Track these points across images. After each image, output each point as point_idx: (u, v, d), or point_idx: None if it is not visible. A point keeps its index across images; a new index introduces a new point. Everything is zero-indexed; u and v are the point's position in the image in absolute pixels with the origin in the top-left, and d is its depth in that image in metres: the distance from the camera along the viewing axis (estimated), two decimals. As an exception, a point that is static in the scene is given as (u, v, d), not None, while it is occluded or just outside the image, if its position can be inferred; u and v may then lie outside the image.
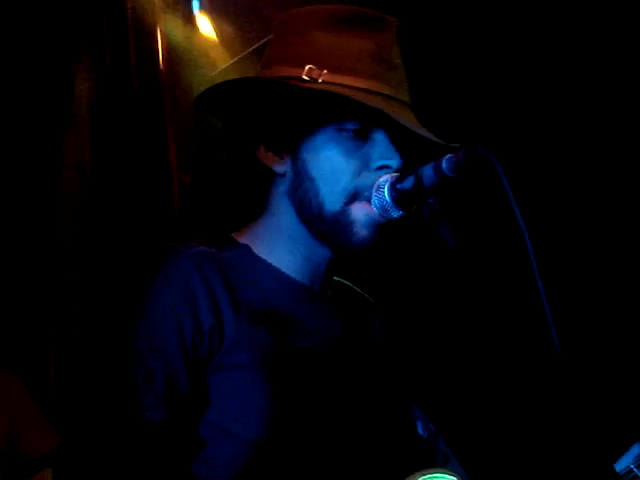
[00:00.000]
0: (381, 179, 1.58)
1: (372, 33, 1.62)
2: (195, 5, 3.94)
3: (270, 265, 1.66)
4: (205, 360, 1.51)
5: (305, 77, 1.59)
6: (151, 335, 1.50)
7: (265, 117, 1.66)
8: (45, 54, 3.77)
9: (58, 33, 3.79)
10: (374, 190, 1.58)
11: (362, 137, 1.61)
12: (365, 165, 1.60)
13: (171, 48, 3.83)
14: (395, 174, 1.57)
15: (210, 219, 3.35)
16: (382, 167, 1.60)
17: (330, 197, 1.60)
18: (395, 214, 1.57)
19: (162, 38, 3.84)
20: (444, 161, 1.47)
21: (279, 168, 1.66)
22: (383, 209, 1.57)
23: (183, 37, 3.85)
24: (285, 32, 1.69)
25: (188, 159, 3.76)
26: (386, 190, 1.56)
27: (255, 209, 1.71)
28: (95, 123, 3.85)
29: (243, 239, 1.69)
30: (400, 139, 1.61)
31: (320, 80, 1.59)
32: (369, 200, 1.58)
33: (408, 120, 1.58)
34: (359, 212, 1.59)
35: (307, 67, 1.59)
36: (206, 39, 3.83)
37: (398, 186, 1.54)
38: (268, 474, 1.50)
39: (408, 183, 1.53)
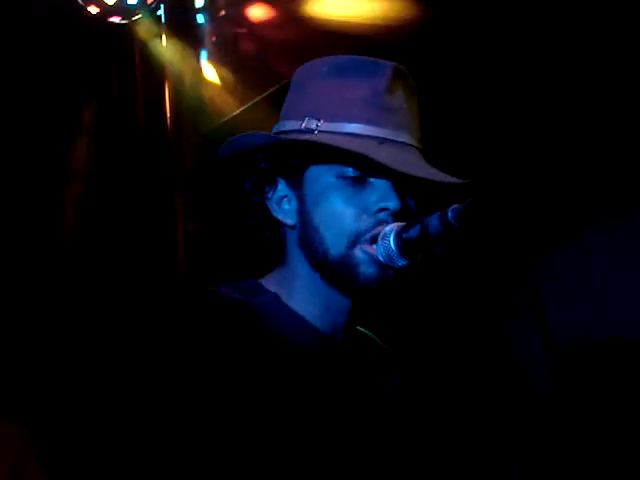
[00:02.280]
0: (387, 227, 1.58)
1: (367, 78, 1.65)
2: (203, 54, 3.99)
3: (297, 314, 1.68)
4: None
5: (304, 128, 1.63)
6: None
7: (273, 170, 1.69)
8: (52, 102, 3.80)
9: (66, 81, 3.82)
10: (380, 238, 1.58)
11: (361, 182, 1.63)
12: (365, 209, 1.62)
13: (178, 97, 3.87)
14: (401, 223, 1.57)
15: (218, 268, 3.36)
16: (381, 210, 1.61)
17: (334, 242, 1.62)
18: (400, 263, 1.57)
19: (169, 87, 3.88)
20: (450, 211, 1.48)
21: (289, 220, 1.69)
22: (388, 257, 1.57)
23: (190, 85, 3.89)
24: (291, 88, 1.75)
25: (194, 208, 3.78)
26: (392, 239, 1.56)
27: (276, 258, 1.74)
28: (99, 172, 3.88)
29: (272, 286, 1.71)
30: (401, 180, 1.62)
31: (316, 131, 1.63)
32: (370, 242, 1.60)
33: (406, 160, 1.60)
34: (362, 254, 1.61)
35: (306, 119, 1.64)
36: (213, 87, 3.87)
37: (404, 235, 1.55)
38: None
39: (414, 232, 1.53)
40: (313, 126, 1.63)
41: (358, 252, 1.61)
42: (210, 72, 3.93)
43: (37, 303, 3.69)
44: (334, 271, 1.64)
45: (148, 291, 3.55)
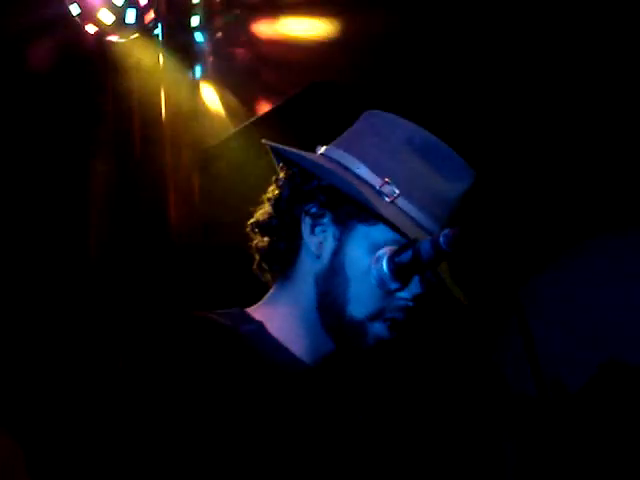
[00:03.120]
0: (380, 251, 1.61)
1: (452, 180, 1.68)
2: (200, 72, 4.01)
3: (281, 345, 1.68)
4: None
5: (380, 189, 1.64)
6: None
7: (328, 200, 1.68)
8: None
9: (63, 100, 3.84)
10: (373, 262, 1.61)
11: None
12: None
13: (175, 115, 3.89)
14: (393, 247, 1.60)
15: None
16: (407, 299, 1.65)
17: (357, 305, 1.64)
18: (393, 286, 1.60)
19: (166, 105, 3.90)
20: (442, 236, 1.51)
21: (317, 249, 1.68)
22: (380, 280, 1.60)
23: (187, 104, 3.91)
24: (370, 131, 1.73)
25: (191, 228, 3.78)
26: (384, 262, 1.59)
27: (277, 280, 1.74)
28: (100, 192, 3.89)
29: (258, 315, 1.71)
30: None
31: (389, 199, 1.64)
32: (387, 321, 1.65)
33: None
34: (377, 331, 1.66)
35: (385, 179, 1.65)
36: (211, 106, 3.89)
37: (396, 259, 1.58)
38: None
39: (406, 256, 1.56)
40: (388, 193, 1.64)
41: (374, 327, 1.65)
42: (207, 90, 3.96)
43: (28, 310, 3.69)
44: (344, 328, 1.66)
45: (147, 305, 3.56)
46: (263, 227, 1.73)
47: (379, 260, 1.60)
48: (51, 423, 3.47)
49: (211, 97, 3.92)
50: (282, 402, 1.60)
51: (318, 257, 1.67)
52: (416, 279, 1.64)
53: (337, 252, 1.66)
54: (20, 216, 3.69)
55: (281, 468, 1.55)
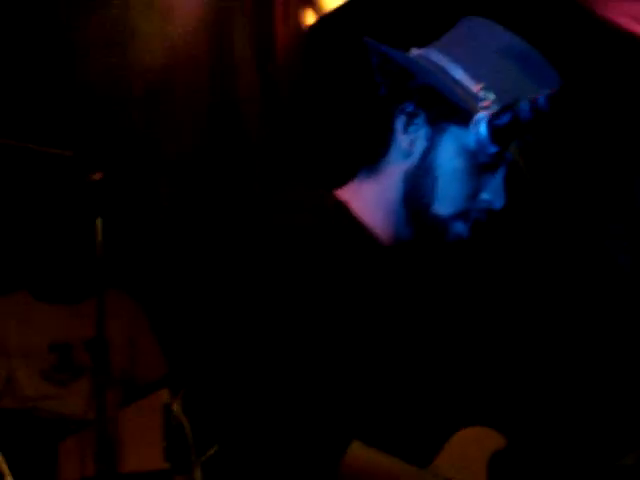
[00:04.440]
0: (479, 114, 1.62)
1: (545, 87, 1.63)
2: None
3: (363, 226, 1.73)
4: None
5: (475, 92, 1.67)
6: None
7: (423, 99, 1.70)
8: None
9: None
10: (471, 126, 1.63)
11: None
12: (481, 192, 1.70)
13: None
14: (491, 111, 1.61)
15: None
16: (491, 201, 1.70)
17: (443, 203, 1.70)
18: (492, 149, 1.61)
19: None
20: (540, 97, 1.50)
21: (409, 148, 1.72)
22: (480, 144, 1.61)
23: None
24: (467, 33, 1.76)
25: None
26: (483, 125, 1.60)
27: (364, 169, 1.78)
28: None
29: (343, 195, 1.77)
30: None
31: (484, 105, 1.64)
32: (470, 221, 1.70)
33: None
34: (459, 230, 1.71)
35: (481, 84, 1.67)
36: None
37: (495, 122, 1.58)
38: None
39: (505, 119, 1.56)
40: (483, 98, 1.66)
41: (457, 226, 1.70)
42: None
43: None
44: (427, 223, 1.71)
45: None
46: (355, 122, 1.79)
47: (478, 123, 1.62)
48: (170, 285, 3.63)
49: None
50: (357, 277, 1.67)
51: (408, 155, 1.72)
52: (500, 184, 1.69)
53: (428, 152, 1.71)
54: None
55: (345, 337, 1.62)
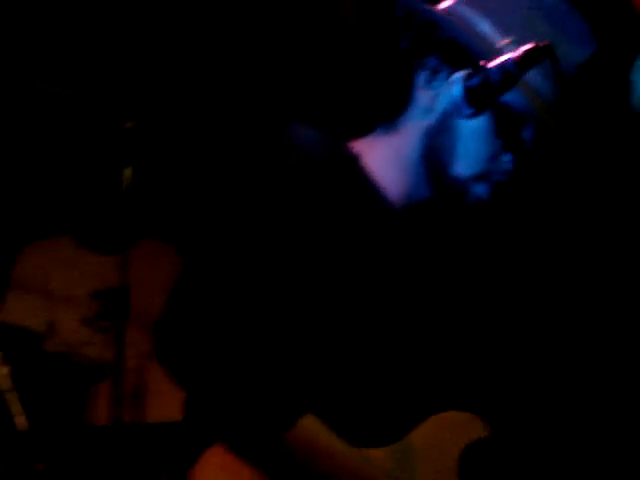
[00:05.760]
0: (455, 75, 1.55)
1: (576, 43, 1.63)
2: None
3: (375, 184, 1.67)
4: None
5: (500, 46, 1.59)
6: None
7: (447, 52, 1.63)
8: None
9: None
10: (445, 88, 1.60)
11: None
12: (501, 154, 1.65)
13: None
14: (462, 73, 1.53)
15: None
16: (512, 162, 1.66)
17: (464, 163, 1.64)
18: (466, 111, 1.54)
19: None
20: (509, 60, 1.47)
21: (430, 104, 1.65)
22: (454, 105, 1.57)
23: None
24: None
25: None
26: (458, 86, 1.53)
27: (381, 123, 1.72)
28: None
29: (356, 148, 1.70)
30: None
31: (511, 65, 1.55)
32: (491, 183, 1.66)
33: None
34: (479, 192, 1.66)
35: (508, 39, 1.59)
36: None
37: (466, 84, 1.51)
38: None
39: (476, 80, 1.50)
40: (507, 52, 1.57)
41: (477, 187, 1.65)
42: None
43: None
44: (447, 183, 1.65)
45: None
46: (376, 75, 1.73)
47: (452, 84, 1.54)
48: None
49: None
50: (368, 237, 1.63)
51: (429, 112, 1.65)
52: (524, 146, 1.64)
53: (449, 110, 1.64)
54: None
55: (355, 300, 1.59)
